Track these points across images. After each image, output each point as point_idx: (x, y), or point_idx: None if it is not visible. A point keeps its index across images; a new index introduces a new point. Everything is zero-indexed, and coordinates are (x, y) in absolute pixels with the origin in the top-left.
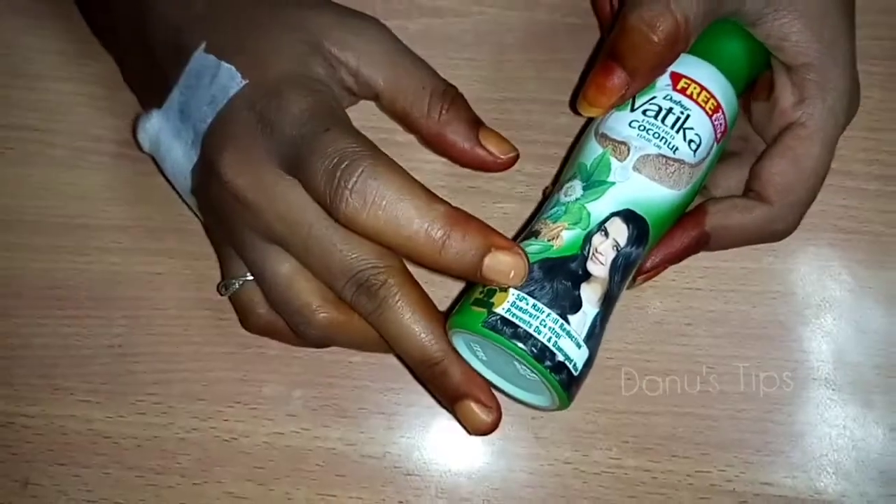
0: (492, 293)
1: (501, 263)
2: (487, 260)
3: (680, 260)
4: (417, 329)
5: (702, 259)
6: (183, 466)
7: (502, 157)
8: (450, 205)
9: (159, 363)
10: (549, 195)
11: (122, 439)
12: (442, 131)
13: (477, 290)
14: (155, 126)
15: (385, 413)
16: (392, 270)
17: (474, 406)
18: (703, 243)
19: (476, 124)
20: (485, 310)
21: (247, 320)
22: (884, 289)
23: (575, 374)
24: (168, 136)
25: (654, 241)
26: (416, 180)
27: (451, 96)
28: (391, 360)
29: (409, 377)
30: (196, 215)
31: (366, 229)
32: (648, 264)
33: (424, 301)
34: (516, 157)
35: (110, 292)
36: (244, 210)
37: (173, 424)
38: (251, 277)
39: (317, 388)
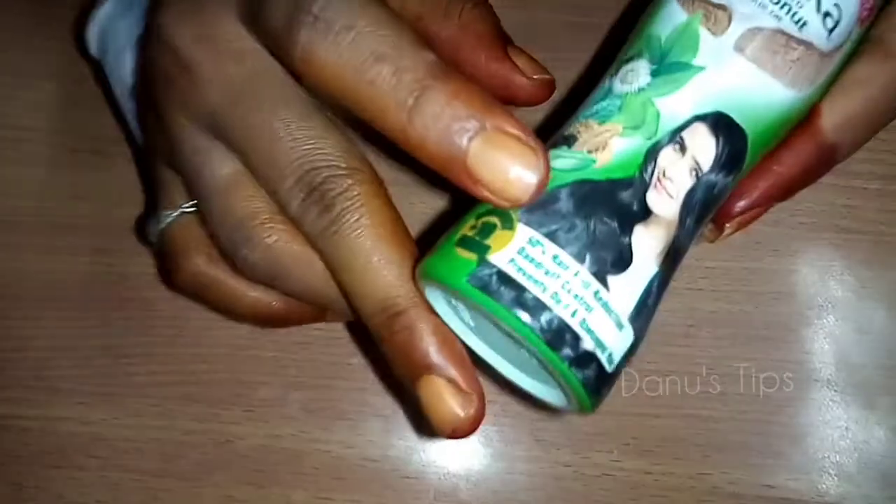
0: (489, 229)
1: (500, 154)
2: (478, 143)
3: (793, 193)
4: (378, 261)
5: (704, 259)
6: (180, 469)
7: (534, 76)
8: (442, 60)
9: (155, 365)
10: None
11: (119, 442)
12: (460, 34)
13: (468, 221)
14: (106, 12)
15: (383, 416)
16: (359, 175)
17: (444, 388)
18: (830, 160)
19: (503, 36)
20: (475, 255)
21: (178, 267)
22: (886, 289)
23: (608, 369)
24: (116, 20)
25: (749, 167)
26: (407, 24)
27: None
28: None
29: None
30: (138, 143)
31: (322, 71)
32: (744, 202)
33: (396, 226)
34: (552, 85)
35: (107, 293)
36: (182, 78)
37: (170, 427)
38: (190, 208)
39: (314, 391)
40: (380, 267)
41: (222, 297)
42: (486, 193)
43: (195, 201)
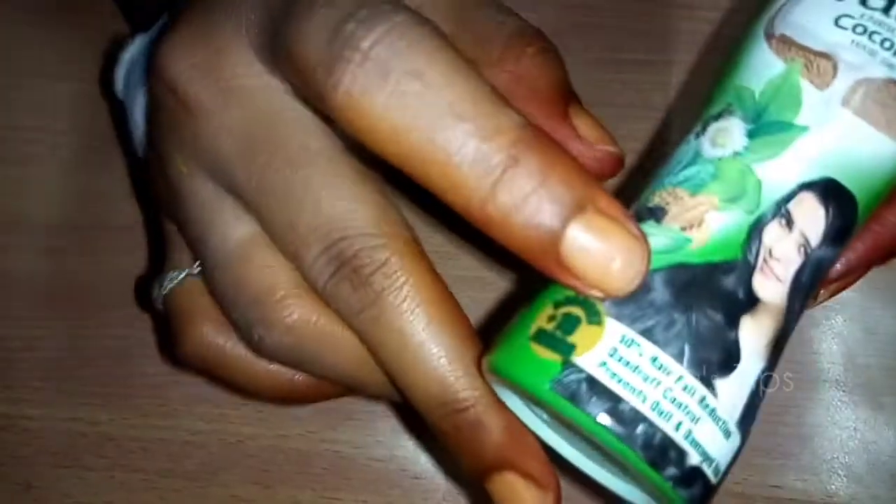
0: (572, 323)
1: (601, 241)
2: (576, 227)
3: (890, 257)
4: (433, 349)
5: None
6: (188, 469)
7: (597, 146)
8: (527, 119)
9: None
10: (672, 141)
11: (126, 442)
12: (513, 85)
13: (542, 307)
14: (134, 51)
15: (392, 416)
16: (397, 243)
17: (519, 485)
18: None
19: (567, 93)
20: (558, 356)
21: (185, 338)
22: (895, 289)
23: (713, 482)
24: (142, 58)
25: (855, 234)
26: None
27: (541, 43)
28: None
29: None
30: (153, 196)
31: (375, 126)
32: (842, 267)
33: (447, 303)
34: (619, 162)
35: (113, 293)
36: (186, 122)
37: (178, 427)
38: (198, 270)
39: None
40: (435, 355)
41: (235, 372)
42: (576, 283)
43: (202, 272)
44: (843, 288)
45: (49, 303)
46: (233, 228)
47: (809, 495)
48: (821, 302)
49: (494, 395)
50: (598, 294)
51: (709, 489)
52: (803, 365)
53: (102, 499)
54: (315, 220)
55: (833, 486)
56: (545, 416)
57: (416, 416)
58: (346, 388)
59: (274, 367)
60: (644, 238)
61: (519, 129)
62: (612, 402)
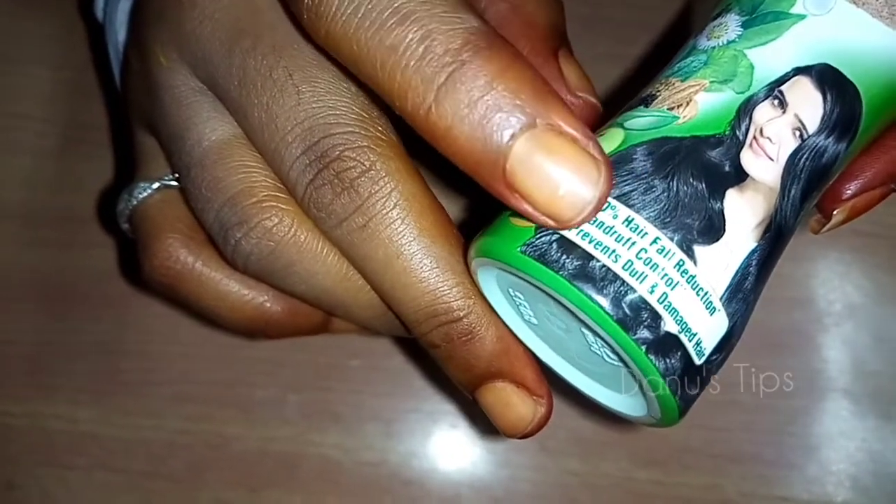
0: None
1: (551, 160)
2: (524, 143)
3: None
4: (423, 260)
5: None
6: (172, 470)
7: (578, 93)
8: (490, 27)
9: (148, 362)
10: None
11: (108, 441)
12: (509, 14)
13: None
14: None
15: (383, 419)
16: (384, 146)
17: (511, 395)
18: None
19: (559, 35)
20: (532, 224)
21: (151, 251)
22: None
23: (697, 361)
24: None
25: (864, 137)
26: None
27: None
28: (390, 364)
29: (409, 382)
30: (128, 116)
31: (331, 29)
32: (856, 183)
33: (437, 212)
34: (595, 111)
35: (99, 288)
36: (172, 11)
37: (162, 427)
38: (172, 181)
39: (311, 393)
40: (427, 266)
41: (202, 291)
42: (525, 206)
43: (177, 174)
44: (863, 209)
45: (32, 297)
46: (211, 128)
47: None
48: (838, 223)
49: (487, 305)
50: (549, 223)
51: (691, 367)
52: (811, 373)
53: (83, 498)
54: (296, 115)
55: (839, 498)
56: (533, 318)
57: (406, 420)
58: (319, 316)
59: (244, 289)
60: (605, 161)
61: (469, 33)
62: (582, 259)
